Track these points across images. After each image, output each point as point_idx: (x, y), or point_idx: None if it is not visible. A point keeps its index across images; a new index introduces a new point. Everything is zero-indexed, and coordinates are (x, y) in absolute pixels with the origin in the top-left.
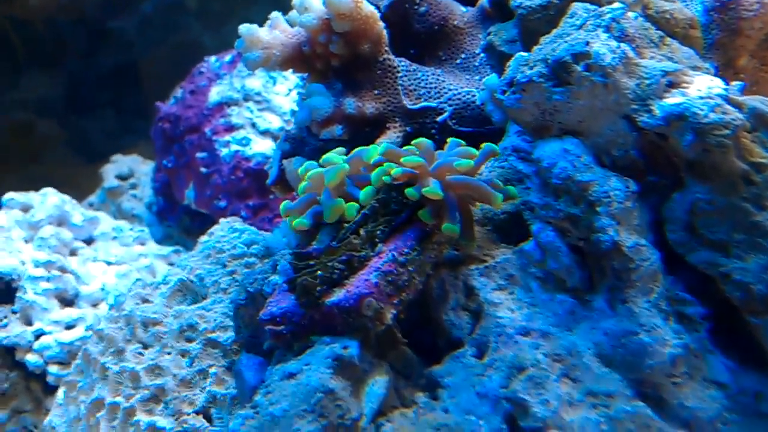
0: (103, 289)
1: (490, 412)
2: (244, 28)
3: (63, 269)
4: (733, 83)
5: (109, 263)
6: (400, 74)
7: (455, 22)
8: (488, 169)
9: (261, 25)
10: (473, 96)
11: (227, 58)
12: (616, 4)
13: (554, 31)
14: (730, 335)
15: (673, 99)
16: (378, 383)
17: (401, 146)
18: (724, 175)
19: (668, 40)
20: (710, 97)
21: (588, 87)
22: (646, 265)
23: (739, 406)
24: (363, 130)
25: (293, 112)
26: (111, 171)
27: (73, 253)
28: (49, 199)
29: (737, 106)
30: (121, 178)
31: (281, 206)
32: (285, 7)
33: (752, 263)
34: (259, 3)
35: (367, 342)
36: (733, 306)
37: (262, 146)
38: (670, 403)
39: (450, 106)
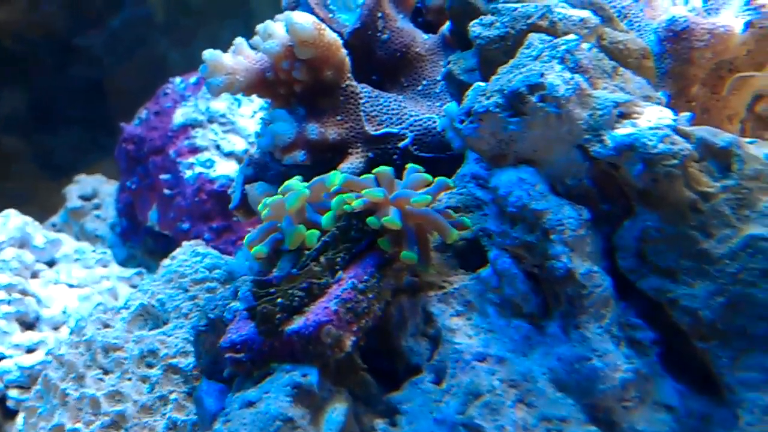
0: (64, 312)
1: None
2: (207, 53)
3: (24, 292)
4: (682, 114)
5: (71, 286)
6: (362, 100)
7: (417, 50)
8: (448, 195)
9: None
10: (434, 122)
11: (192, 79)
12: (570, 36)
13: (511, 62)
14: (680, 359)
15: (624, 129)
16: (337, 410)
17: (364, 172)
18: (672, 203)
19: (621, 70)
20: (659, 128)
21: (542, 117)
22: (599, 291)
23: (687, 429)
24: (325, 156)
25: (257, 135)
26: (74, 191)
27: (34, 275)
28: (11, 221)
29: (685, 136)
30: (85, 198)
31: (245, 239)
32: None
33: (699, 289)
34: (228, 19)
35: (326, 369)
36: (682, 331)
37: (226, 168)
38: (622, 426)
39: (411, 132)
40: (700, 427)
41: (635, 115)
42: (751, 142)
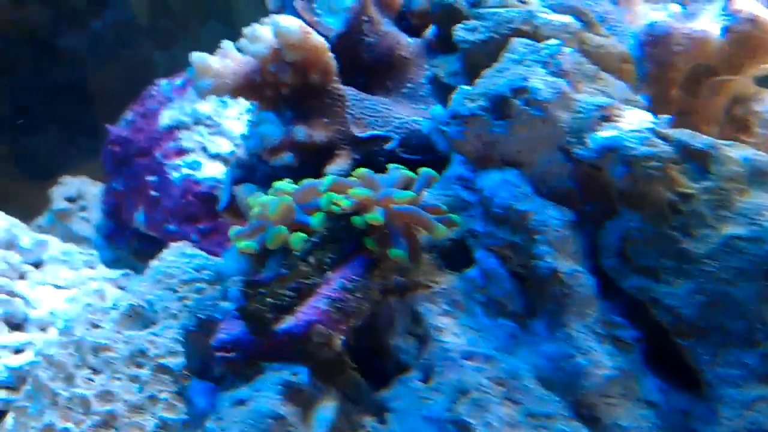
0: (52, 313)
1: None
2: (195, 56)
3: (11, 293)
4: (662, 116)
5: (58, 287)
6: (348, 103)
7: (402, 53)
8: (434, 197)
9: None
10: (419, 125)
11: (178, 81)
12: (552, 41)
13: (495, 66)
14: (661, 357)
15: (605, 132)
16: (327, 408)
17: (350, 173)
18: (653, 204)
19: (602, 74)
20: (640, 131)
21: (527, 120)
22: (582, 290)
23: (669, 424)
24: (313, 158)
25: (244, 137)
26: (59, 193)
27: (21, 276)
28: None
29: (665, 138)
30: (70, 200)
31: (231, 231)
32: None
33: (680, 288)
34: (210, 21)
35: (316, 368)
36: (663, 329)
37: (213, 170)
38: (605, 422)
39: (397, 134)
40: (682, 422)
41: (616, 118)
42: (727, 145)
